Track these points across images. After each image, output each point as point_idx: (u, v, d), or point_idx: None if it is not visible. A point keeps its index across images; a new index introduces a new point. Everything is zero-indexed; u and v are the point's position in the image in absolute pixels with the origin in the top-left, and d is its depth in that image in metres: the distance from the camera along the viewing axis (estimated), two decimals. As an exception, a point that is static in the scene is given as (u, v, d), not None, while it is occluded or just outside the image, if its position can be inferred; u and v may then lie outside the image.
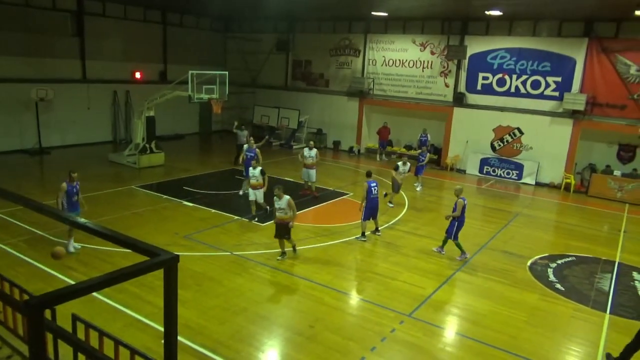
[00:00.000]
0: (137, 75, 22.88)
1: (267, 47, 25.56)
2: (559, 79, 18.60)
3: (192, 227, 11.86)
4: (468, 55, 20.29)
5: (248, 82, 26.23)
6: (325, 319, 7.95)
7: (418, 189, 17.18)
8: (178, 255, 2.86)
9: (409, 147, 22.91)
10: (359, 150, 23.65)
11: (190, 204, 13.69)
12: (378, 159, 22.48)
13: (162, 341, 3.00)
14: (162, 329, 3.00)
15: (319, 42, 24.23)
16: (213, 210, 13.23)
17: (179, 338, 6.37)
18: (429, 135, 20.83)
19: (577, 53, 18.11)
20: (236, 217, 12.77)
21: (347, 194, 15.95)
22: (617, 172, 17.73)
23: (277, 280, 9.31)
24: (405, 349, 7.25)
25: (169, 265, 2.84)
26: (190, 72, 16.80)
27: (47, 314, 4.46)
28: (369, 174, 12.04)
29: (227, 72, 18.19)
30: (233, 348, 6.96)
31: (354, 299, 8.96)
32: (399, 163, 15.24)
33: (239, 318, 7.83)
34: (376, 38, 22.64)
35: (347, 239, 11.75)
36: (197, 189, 15.21)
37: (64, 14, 19.82)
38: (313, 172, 15.15)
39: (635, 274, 10.65)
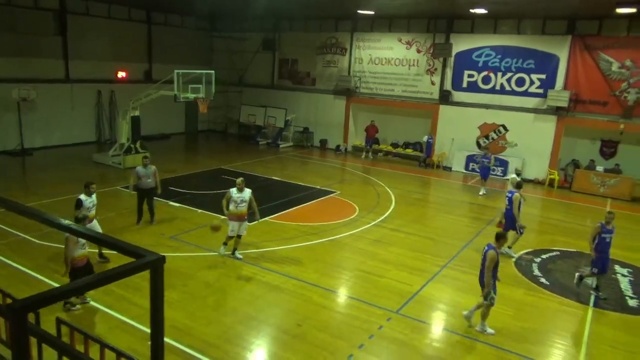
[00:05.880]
0: (122, 74, 22.65)
1: (253, 46, 25.47)
2: (543, 76, 18.83)
3: (179, 227, 11.79)
4: (454, 53, 20.43)
5: (234, 81, 26.10)
6: (313, 317, 7.97)
7: (481, 193, 16.81)
8: (164, 256, 2.85)
9: (395, 145, 23.02)
10: (345, 149, 23.69)
11: (177, 204, 13.60)
12: (364, 156, 22.53)
13: (149, 343, 2.99)
14: (148, 330, 2.98)
15: (305, 41, 24.20)
16: (200, 210, 13.16)
17: (166, 339, 6.32)
18: (434, 137, 20.96)
19: (561, 51, 18.35)
20: (223, 217, 12.65)
21: (334, 192, 15.97)
22: (599, 168, 18.02)
23: (264, 279, 9.29)
24: (392, 346, 7.30)
25: (155, 266, 2.83)
26: (175, 71, 16.67)
27: (31, 317, 4.41)
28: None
29: (213, 71, 18.09)
30: (221, 348, 6.94)
31: (342, 297, 8.99)
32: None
33: (226, 318, 7.81)
34: (362, 36, 22.68)
35: (335, 237, 11.77)
36: (183, 189, 15.11)
37: (46, 13, 19.52)
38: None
39: (617, 267, 10.83)
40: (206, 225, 12.04)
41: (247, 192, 9.93)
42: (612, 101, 17.71)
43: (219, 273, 9.46)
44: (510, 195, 11.16)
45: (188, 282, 8.92)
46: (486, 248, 7.70)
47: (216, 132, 27.46)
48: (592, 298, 9.25)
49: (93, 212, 9.35)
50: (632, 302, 9.19)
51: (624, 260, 11.24)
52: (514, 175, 13.53)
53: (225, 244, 10.12)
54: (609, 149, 18.68)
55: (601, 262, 9.18)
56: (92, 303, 7.82)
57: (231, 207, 9.83)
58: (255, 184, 16.64)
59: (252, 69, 26.09)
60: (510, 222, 11.03)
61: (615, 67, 17.53)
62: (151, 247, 3.25)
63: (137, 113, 17.94)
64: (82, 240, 7.35)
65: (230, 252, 10.16)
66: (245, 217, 9.98)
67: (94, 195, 9.46)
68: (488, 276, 7.51)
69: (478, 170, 18.15)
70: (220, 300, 8.38)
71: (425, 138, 21.02)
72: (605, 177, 17.61)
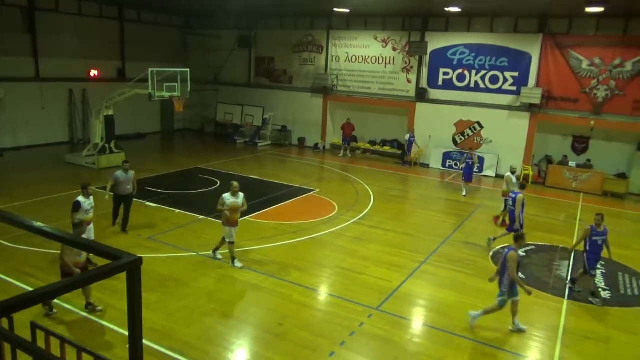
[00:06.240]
0: (94, 73, 22.17)
1: (229, 44, 25.23)
2: (516, 74, 19.18)
3: (156, 228, 11.61)
4: (429, 51, 20.62)
5: (211, 80, 25.83)
6: (294, 316, 7.95)
7: (464, 193, 16.49)
8: (141, 258, 2.78)
9: (373, 143, 23.13)
10: (324, 147, 23.69)
11: (154, 205, 13.39)
12: (342, 154, 22.56)
13: (128, 346, 2.92)
14: (127, 333, 2.92)
15: (282, 39, 24.10)
16: (177, 211, 12.98)
17: (145, 342, 6.22)
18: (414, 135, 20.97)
19: (533, 48, 18.72)
20: (201, 217, 12.57)
21: (313, 190, 15.97)
22: (572, 163, 18.47)
23: (244, 279, 9.23)
24: (373, 342, 7.34)
25: (132, 268, 2.76)
26: (149, 69, 16.39)
27: (4, 322, 4.27)
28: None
29: (188, 70, 17.84)
30: (201, 349, 6.86)
31: (322, 295, 8.99)
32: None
33: (206, 319, 7.72)
34: (338, 34, 22.71)
35: (314, 235, 11.76)
36: (160, 189, 14.88)
37: (13, 9, 18.93)
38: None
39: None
40: (186, 224, 11.92)
41: (241, 197, 9.53)
42: (583, 98, 18.15)
43: (198, 273, 9.35)
44: (514, 196, 11.24)
45: (166, 283, 8.79)
46: (506, 250, 7.76)
47: (193, 131, 27.13)
48: (567, 290, 9.47)
49: (91, 214, 9.13)
50: (604, 294, 9.44)
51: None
52: (509, 174, 13.29)
53: (234, 258, 9.69)
54: (580, 144, 19.15)
55: (594, 263, 9.13)
56: (69, 307, 7.62)
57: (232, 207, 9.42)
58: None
59: (228, 67, 25.85)
60: (515, 222, 11.16)
61: (585, 64, 17.97)
62: (128, 249, 3.18)
63: (111, 112, 17.60)
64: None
65: (211, 253, 10.00)
66: (236, 224, 9.60)
67: (92, 197, 9.22)
68: (515, 277, 7.55)
69: (461, 169, 17.53)
70: (200, 301, 8.28)
71: (407, 137, 21.12)
72: (577, 172, 18.05)
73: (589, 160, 18.46)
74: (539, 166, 19.56)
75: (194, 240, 11.00)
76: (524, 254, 11.23)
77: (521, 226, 11.03)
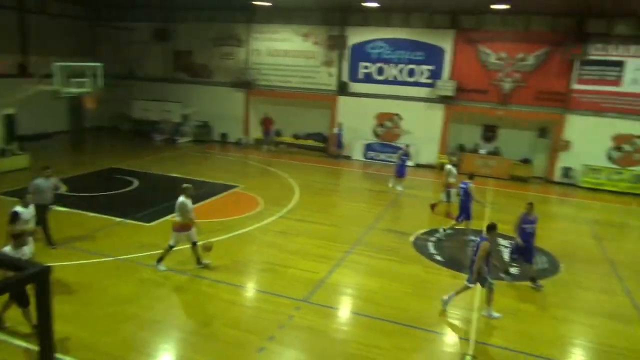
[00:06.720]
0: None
1: (144, 37, 24.08)
2: (432, 67, 20.11)
3: (67, 233, 10.82)
4: (349, 45, 21.04)
5: (125, 74, 24.51)
6: (222, 314, 7.83)
7: (399, 188, 16.28)
8: (49, 267, 2.61)
9: (296, 136, 23.21)
10: (247, 142, 23.41)
11: (64, 209, 12.46)
12: (265, 149, 22.42)
13: (37, 362, 2.73)
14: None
15: (201, 32, 23.42)
16: (91, 214, 12.24)
17: (63, 356, 5.85)
18: (340, 128, 21.18)
19: (446, 43, 19.74)
20: (118, 219, 11.95)
21: (237, 186, 15.75)
22: (482, 151, 19.77)
23: (169, 282, 8.92)
24: (302, 334, 7.43)
25: (40, 278, 2.59)
26: (55, 64, 15.27)
27: None
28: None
29: (99, 64, 16.84)
30: (124, 358, 6.56)
31: (250, 291, 8.94)
32: None
33: (128, 325, 7.38)
34: (260, 28, 22.48)
35: (240, 231, 11.63)
36: (70, 192, 13.91)
37: None
38: None
39: (500, 239, 11.94)
40: (102, 228, 11.29)
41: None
42: (491, 90, 19.45)
43: (116, 279, 8.89)
44: (464, 186, 11.75)
45: (82, 292, 8.28)
46: (479, 239, 8.11)
47: (106, 128, 25.64)
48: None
49: (31, 225, 8.34)
50: (513, 270, 10.20)
51: (505, 233, 12.39)
52: (450, 166, 13.55)
53: (161, 260, 9.22)
54: (490, 133, 20.48)
55: (525, 251, 9.45)
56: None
57: (180, 218, 9.10)
58: (152, 182, 15.91)
59: (145, 62, 24.69)
60: (465, 211, 11.72)
61: (492, 58, 19.24)
62: (36, 257, 2.97)
63: (11, 111, 16.19)
64: (26, 252, 6.43)
65: (155, 264, 9.27)
66: (189, 227, 9.28)
67: (31, 207, 8.50)
68: (479, 264, 7.91)
69: (395, 164, 16.78)
70: (120, 308, 7.88)
71: (335, 130, 21.38)
72: (487, 159, 19.37)
73: (497, 148, 19.82)
74: (456, 154, 20.66)
75: (111, 244, 10.44)
76: (444, 239, 11.87)
77: (469, 215, 11.72)
